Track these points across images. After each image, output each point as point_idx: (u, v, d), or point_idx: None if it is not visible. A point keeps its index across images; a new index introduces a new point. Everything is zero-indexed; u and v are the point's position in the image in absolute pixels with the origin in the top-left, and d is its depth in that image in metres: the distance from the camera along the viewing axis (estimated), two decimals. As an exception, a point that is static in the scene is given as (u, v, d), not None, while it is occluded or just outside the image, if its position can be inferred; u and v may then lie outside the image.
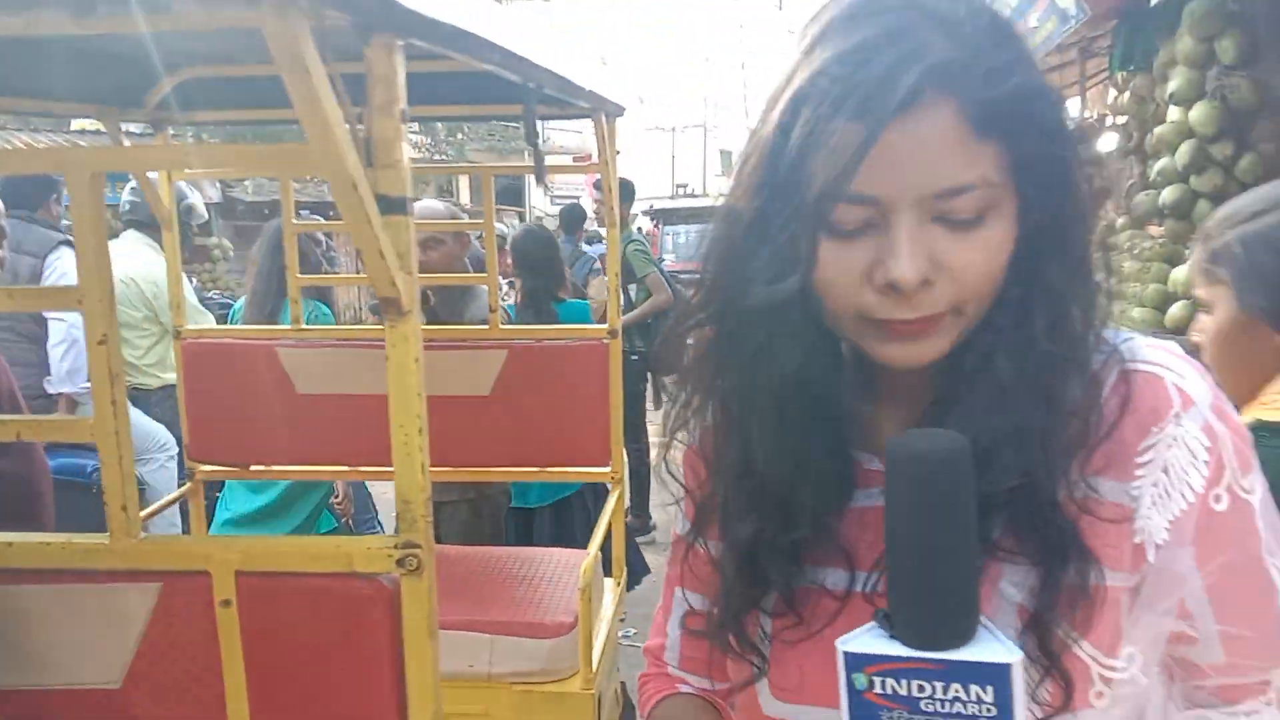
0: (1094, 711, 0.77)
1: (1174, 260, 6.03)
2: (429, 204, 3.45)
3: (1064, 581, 0.74)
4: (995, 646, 0.69)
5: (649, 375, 5.70)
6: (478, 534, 3.27)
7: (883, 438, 0.76)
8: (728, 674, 0.93)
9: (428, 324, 3.34)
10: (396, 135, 1.12)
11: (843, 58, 0.71)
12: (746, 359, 0.80)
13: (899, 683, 0.69)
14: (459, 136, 19.00)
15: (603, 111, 2.44)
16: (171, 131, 2.73)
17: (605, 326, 2.81)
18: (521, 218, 18.84)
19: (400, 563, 1.21)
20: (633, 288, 5.88)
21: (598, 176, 2.91)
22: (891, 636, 0.71)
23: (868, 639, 0.72)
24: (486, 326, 2.86)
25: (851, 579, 0.83)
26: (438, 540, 3.35)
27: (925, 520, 0.68)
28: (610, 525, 2.80)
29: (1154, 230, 6.41)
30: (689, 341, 0.88)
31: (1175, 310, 5.69)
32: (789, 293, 0.74)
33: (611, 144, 2.61)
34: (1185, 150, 5.46)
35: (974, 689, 0.68)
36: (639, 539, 5.77)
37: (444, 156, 19.24)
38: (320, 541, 1.30)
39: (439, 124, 16.87)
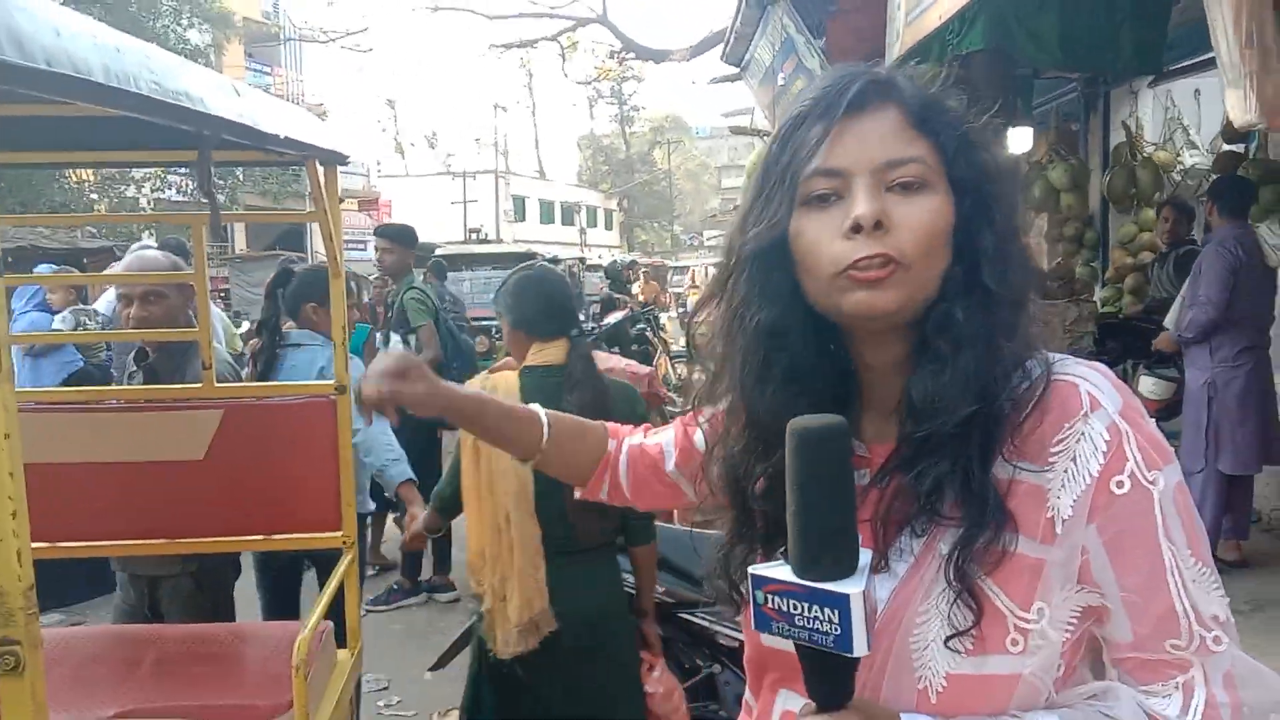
0: (1010, 657, 0.94)
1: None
2: (146, 255, 3.22)
3: (983, 534, 0.92)
4: (851, 583, 0.86)
5: (440, 431, 5.44)
6: (201, 609, 3.03)
7: (870, 429, 1.03)
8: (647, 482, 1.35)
9: (145, 383, 3.11)
10: (-29, 187, 1.01)
11: (816, 90, 1.00)
12: (741, 307, 1.02)
13: (783, 601, 0.88)
14: (229, 181, 18.18)
15: (313, 159, 2.34)
16: None
17: (331, 383, 2.69)
18: (302, 261, 18.18)
19: (-6, 663, 1.08)
20: (412, 338, 5.59)
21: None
22: (788, 563, 0.89)
23: (771, 566, 0.91)
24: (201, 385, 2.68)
25: None
26: (158, 618, 3.11)
27: (805, 479, 0.88)
28: (342, 592, 2.67)
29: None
30: (707, 318, 1.09)
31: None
32: (776, 234, 0.98)
33: (331, 191, 2.52)
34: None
35: (826, 611, 0.86)
36: (442, 598, 5.48)
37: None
38: (-101, 644, 1.14)
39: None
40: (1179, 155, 7.76)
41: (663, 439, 1.35)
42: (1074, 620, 0.96)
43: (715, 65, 10.59)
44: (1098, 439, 0.93)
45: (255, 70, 26.20)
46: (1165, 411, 5.61)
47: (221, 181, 18.32)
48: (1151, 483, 0.93)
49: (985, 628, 0.93)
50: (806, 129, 0.97)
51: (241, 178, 18.59)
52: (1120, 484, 0.93)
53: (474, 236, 25.84)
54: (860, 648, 0.86)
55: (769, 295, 1.00)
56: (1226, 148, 6.33)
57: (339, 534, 2.70)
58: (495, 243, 26.06)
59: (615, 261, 18.93)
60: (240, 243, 22.48)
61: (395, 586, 5.51)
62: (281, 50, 29.42)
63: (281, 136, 1.97)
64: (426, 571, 5.58)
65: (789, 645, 0.92)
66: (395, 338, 5.72)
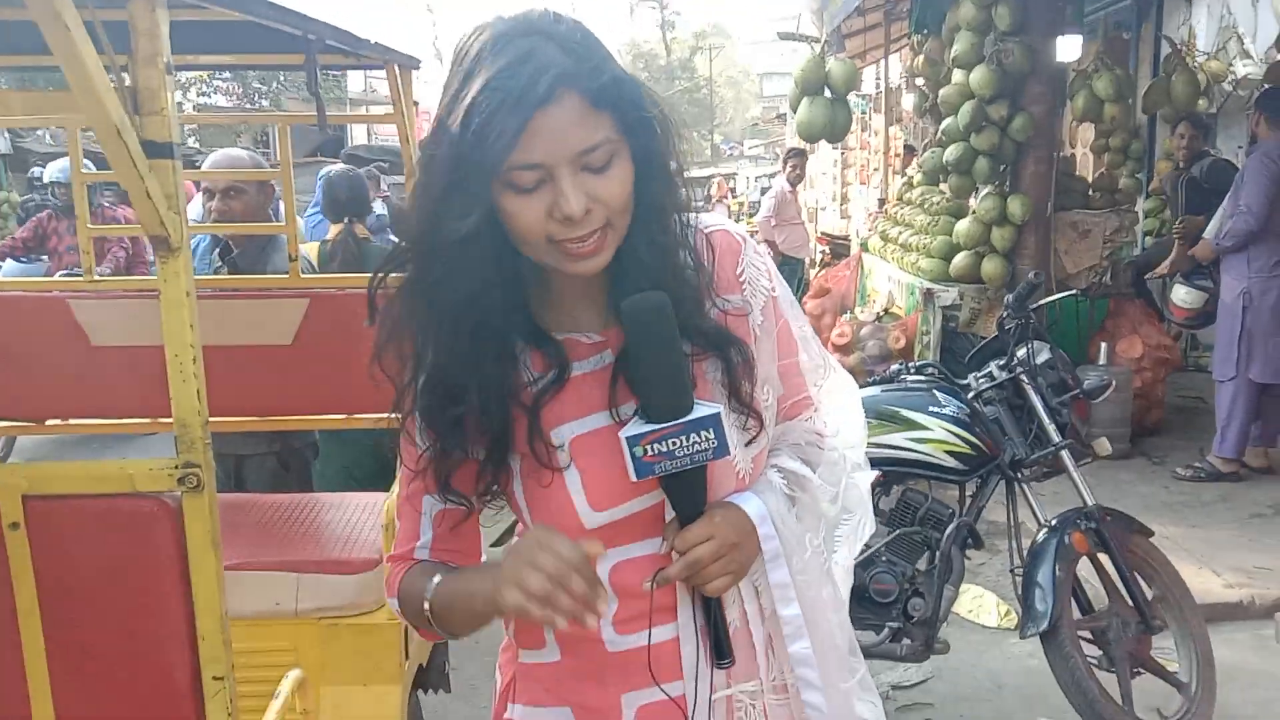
0: (767, 430, 1.27)
1: (958, 214, 6.52)
2: (232, 153, 3.42)
3: (733, 359, 1.20)
4: (705, 407, 1.13)
5: None
6: (284, 486, 3.30)
7: (587, 322, 1.22)
8: (477, 555, 1.31)
9: (230, 274, 3.34)
10: (161, 85, 1.20)
11: (498, 74, 1.05)
12: (435, 285, 1.12)
13: (662, 444, 1.11)
14: (274, 86, 18.29)
15: (394, 63, 2.52)
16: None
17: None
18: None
19: (181, 481, 1.31)
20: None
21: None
22: (648, 420, 1.12)
23: (635, 426, 1.13)
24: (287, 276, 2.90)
25: (609, 415, 1.19)
26: (244, 492, 3.39)
27: (651, 345, 1.12)
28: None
29: (944, 186, 6.90)
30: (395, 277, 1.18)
31: (959, 260, 6.17)
32: (472, 227, 1.08)
33: (407, 94, 2.69)
34: (966, 110, 5.90)
35: (702, 434, 1.12)
36: None
37: (255, 106, 18.50)
38: (104, 464, 1.38)
39: (251, 73, 16.20)
40: (1231, 65, 7.68)
41: (420, 531, 1.30)
42: (772, 385, 1.29)
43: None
44: (758, 263, 1.27)
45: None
46: (1196, 320, 5.72)
47: (264, 86, 18.43)
48: (783, 284, 1.30)
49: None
50: (500, 121, 1.03)
51: (285, 83, 18.70)
52: (774, 289, 1.27)
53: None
54: (732, 448, 1.16)
55: (470, 273, 1.11)
56: (1280, 57, 6.31)
57: (415, 414, 2.93)
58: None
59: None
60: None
61: None
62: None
63: (372, 42, 2.14)
64: None
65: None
66: None
